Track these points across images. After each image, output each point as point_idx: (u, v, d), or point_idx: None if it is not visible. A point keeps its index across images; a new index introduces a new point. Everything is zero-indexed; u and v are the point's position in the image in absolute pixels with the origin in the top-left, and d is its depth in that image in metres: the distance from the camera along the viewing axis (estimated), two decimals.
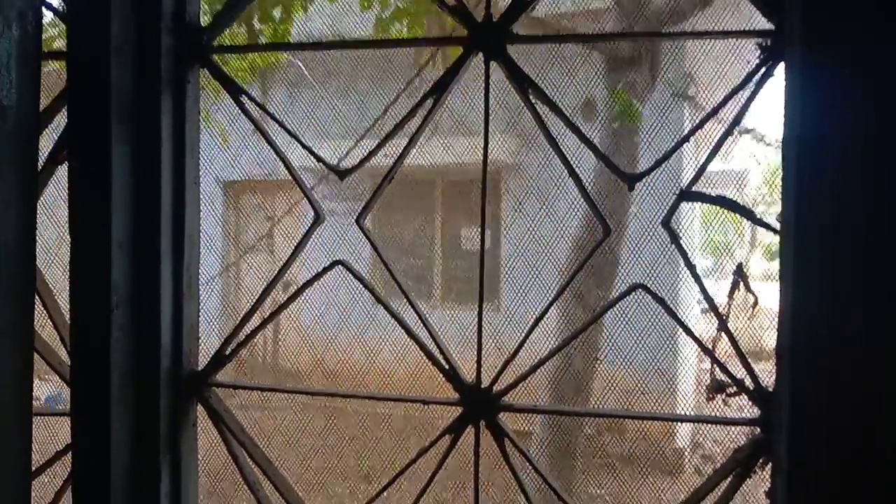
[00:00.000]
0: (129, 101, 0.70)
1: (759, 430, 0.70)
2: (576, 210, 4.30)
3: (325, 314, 5.98)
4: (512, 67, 0.71)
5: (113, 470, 0.70)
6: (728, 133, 0.70)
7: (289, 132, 0.77)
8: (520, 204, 5.91)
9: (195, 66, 0.75)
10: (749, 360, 0.72)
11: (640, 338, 5.01)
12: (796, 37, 0.64)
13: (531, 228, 5.54)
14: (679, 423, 5.91)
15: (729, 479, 0.71)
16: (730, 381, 0.69)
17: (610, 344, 4.07)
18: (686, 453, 5.87)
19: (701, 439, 6.32)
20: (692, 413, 6.07)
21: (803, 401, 0.62)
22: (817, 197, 0.62)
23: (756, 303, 0.73)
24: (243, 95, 0.76)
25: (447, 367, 0.75)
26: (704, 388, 0.73)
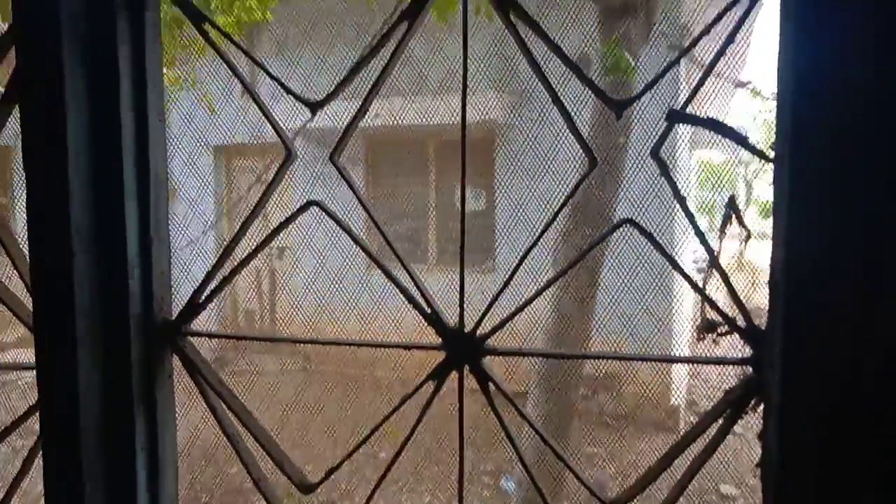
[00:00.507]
0: (83, 27, 0.65)
1: (750, 370, 0.67)
2: (573, 166, 4.24)
3: (318, 281, 5.96)
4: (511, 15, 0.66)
5: (82, 422, 0.67)
6: (720, 53, 0.66)
7: (255, 61, 0.73)
8: (515, 162, 5.84)
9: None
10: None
11: (630, 278, 5.00)
12: None
13: (527, 187, 5.49)
14: (674, 381, 5.96)
15: (720, 421, 0.69)
16: (721, 319, 0.67)
17: (602, 291, 4.04)
18: (681, 411, 5.94)
19: (696, 397, 6.39)
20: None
21: (797, 335, 0.59)
22: (813, 124, 0.59)
23: (749, 236, 0.70)
24: (206, 23, 0.71)
25: (429, 311, 0.72)
26: (694, 327, 0.71)
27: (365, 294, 5.83)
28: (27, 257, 0.72)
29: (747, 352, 0.68)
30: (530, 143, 5.65)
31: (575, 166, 4.18)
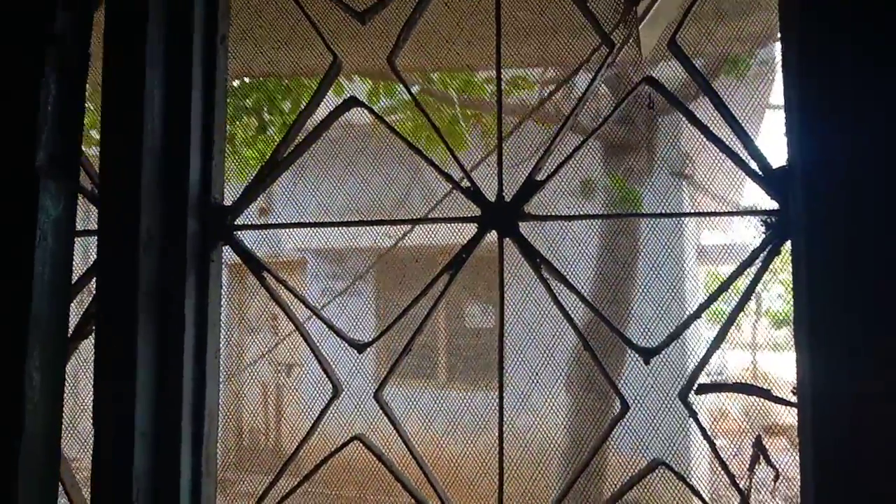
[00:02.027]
0: (154, 289, 0.72)
1: None
2: (586, 286, 4.30)
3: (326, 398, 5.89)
4: (524, 245, 0.74)
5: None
6: (738, 309, 0.72)
7: (315, 312, 0.79)
8: (526, 278, 5.91)
9: (218, 245, 0.78)
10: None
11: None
12: (802, 218, 0.67)
13: (539, 304, 5.53)
14: None
15: None
16: None
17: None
18: None
19: None
20: None
21: None
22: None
23: (777, 476, 0.73)
24: (265, 272, 0.79)
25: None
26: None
27: (373, 409, 5.73)
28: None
29: None
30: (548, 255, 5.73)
31: (587, 287, 4.24)
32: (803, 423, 0.65)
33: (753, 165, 0.76)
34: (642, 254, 4.05)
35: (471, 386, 6.21)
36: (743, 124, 0.80)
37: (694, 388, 0.68)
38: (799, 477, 0.66)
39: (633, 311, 4.01)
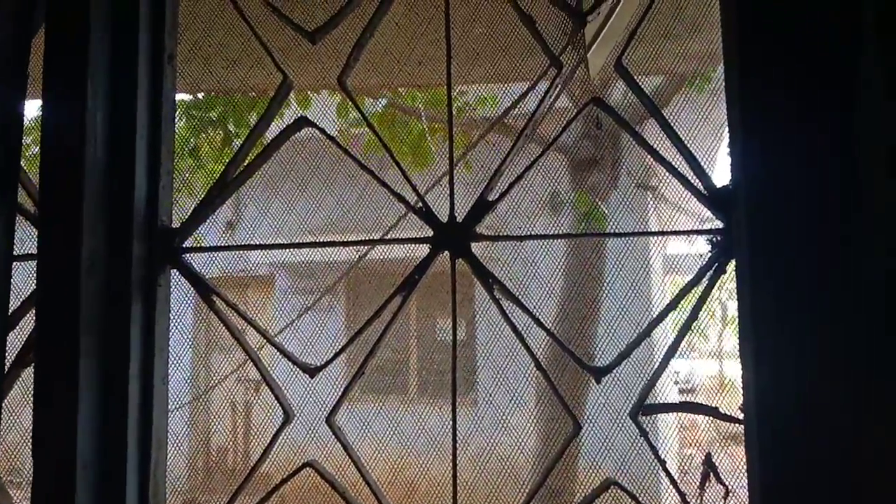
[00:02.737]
0: (98, 315, 0.70)
1: None
2: (551, 298, 4.33)
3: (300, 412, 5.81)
4: (476, 265, 0.74)
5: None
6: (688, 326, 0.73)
7: (260, 332, 0.78)
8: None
9: (166, 269, 0.76)
10: None
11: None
12: (745, 237, 0.68)
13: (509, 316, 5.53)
14: None
15: None
16: None
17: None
18: None
19: None
20: None
21: None
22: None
23: (728, 493, 0.74)
24: (214, 295, 0.77)
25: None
26: None
27: (343, 425, 5.67)
28: None
29: None
30: (507, 274, 5.77)
31: (552, 301, 4.27)
32: (749, 440, 0.65)
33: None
34: (610, 266, 4.09)
35: (443, 401, 6.19)
36: (703, 141, 0.81)
37: (641, 409, 0.68)
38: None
39: (602, 324, 4.05)
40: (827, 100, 0.65)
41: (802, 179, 0.63)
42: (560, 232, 4.71)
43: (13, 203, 0.73)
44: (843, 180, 0.62)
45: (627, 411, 0.71)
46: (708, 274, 0.72)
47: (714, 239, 0.72)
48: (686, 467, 7.63)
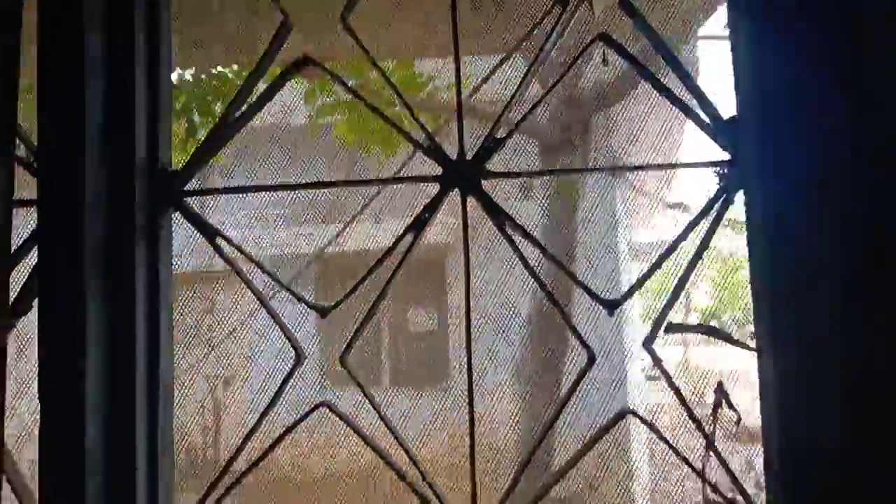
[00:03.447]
0: (102, 255, 0.68)
1: None
2: (526, 291, 4.37)
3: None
4: (488, 202, 0.73)
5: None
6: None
7: (264, 269, 0.76)
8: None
9: (168, 212, 0.74)
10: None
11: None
12: (754, 167, 0.69)
13: (480, 307, 5.57)
14: (638, 500, 5.86)
15: None
16: (722, 501, 0.70)
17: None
18: None
19: None
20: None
21: None
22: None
23: (739, 420, 0.75)
24: (219, 237, 0.76)
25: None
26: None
27: (318, 421, 5.63)
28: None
29: None
30: (481, 264, 5.80)
31: (526, 287, 4.31)
32: (763, 373, 0.66)
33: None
34: (580, 250, 4.14)
35: (416, 391, 6.18)
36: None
37: (663, 326, 0.69)
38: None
39: (574, 304, 4.09)
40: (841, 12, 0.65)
41: (816, 100, 0.64)
42: (534, 219, 4.72)
43: (10, 151, 0.70)
44: (855, 100, 0.63)
45: (641, 342, 0.72)
46: (715, 206, 0.73)
47: (721, 171, 0.73)
48: (655, 450, 7.79)
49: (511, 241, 0.74)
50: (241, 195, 6.70)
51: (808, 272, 0.64)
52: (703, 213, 0.74)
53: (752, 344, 0.69)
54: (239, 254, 0.77)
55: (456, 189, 0.74)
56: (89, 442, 0.64)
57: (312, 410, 0.76)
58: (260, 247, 6.07)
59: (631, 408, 0.73)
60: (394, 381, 6.50)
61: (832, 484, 0.62)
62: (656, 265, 0.72)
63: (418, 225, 0.75)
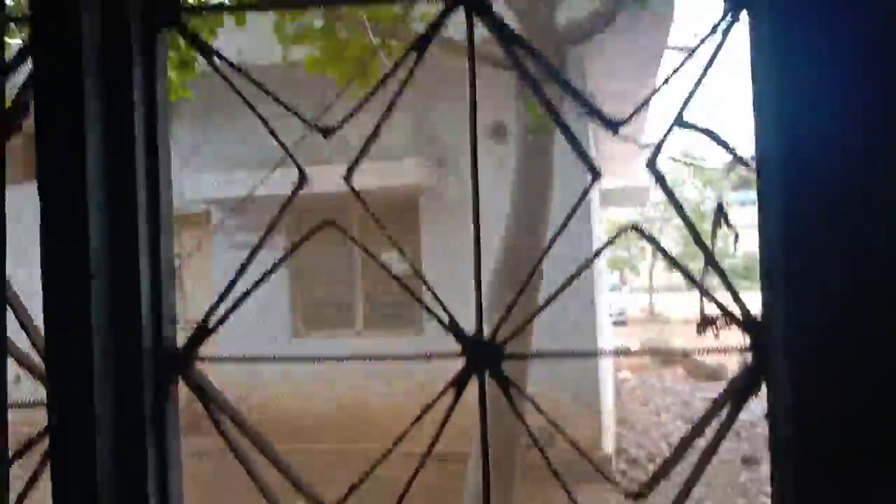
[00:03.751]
0: (98, 56, 0.66)
1: (750, 359, 0.73)
2: (498, 231, 4.40)
3: (246, 349, 5.74)
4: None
5: (99, 448, 0.64)
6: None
7: (261, 88, 0.74)
8: (440, 225, 5.96)
9: (164, 31, 0.72)
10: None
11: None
12: None
13: (454, 249, 5.59)
14: (604, 430, 6.07)
15: (726, 409, 0.73)
16: (720, 311, 0.73)
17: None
18: (612, 459, 6.03)
19: (625, 445, 6.52)
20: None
21: (798, 323, 0.64)
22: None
23: (737, 237, 0.77)
24: (215, 56, 0.74)
25: (448, 320, 0.74)
26: (696, 322, 0.76)
27: (295, 364, 5.66)
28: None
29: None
30: (455, 206, 5.80)
31: (499, 226, 4.33)
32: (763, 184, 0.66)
33: None
34: (555, 196, 4.17)
35: (390, 333, 6.23)
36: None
37: (676, 122, 0.70)
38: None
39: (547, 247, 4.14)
40: None
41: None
42: (509, 161, 4.70)
43: None
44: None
45: (645, 163, 0.73)
46: (721, 25, 0.73)
47: None
48: (620, 388, 8.06)
49: (520, 66, 0.74)
50: (209, 140, 6.54)
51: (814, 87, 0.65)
52: (710, 33, 0.74)
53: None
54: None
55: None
56: (93, 241, 0.63)
57: (319, 228, 0.75)
58: (227, 189, 5.96)
59: (635, 224, 0.74)
60: (367, 326, 6.53)
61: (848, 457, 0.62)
62: (688, 99, 0.72)
63: (422, 46, 0.74)
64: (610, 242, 0.80)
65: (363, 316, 6.51)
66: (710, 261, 0.74)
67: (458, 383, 0.74)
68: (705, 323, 0.75)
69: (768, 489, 0.68)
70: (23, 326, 0.76)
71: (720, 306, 0.74)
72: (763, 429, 0.71)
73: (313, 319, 6.49)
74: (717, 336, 0.76)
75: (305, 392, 5.98)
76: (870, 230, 0.61)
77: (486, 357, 0.73)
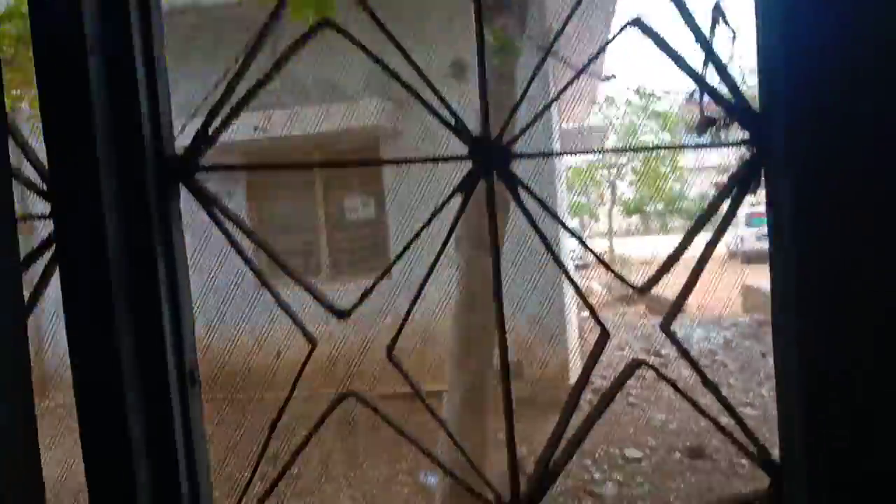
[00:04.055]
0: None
1: (748, 153, 0.75)
2: (460, 170, 4.39)
3: (207, 302, 5.67)
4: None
5: (110, 248, 0.63)
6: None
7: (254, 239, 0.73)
8: (403, 167, 5.90)
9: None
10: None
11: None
12: None
13: (416, 191, 5.57)
14: (571, 362, 6.24)
15: (727, 200, 0.76)
16: (720, 108, 0.74)
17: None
18: None
19: (592, 376, 6.69)
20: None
21: (798, 115, 0.66)
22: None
23: (735, 36, 0.79)
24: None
25: (454, 122, 0.74)
26: (695, 124, 0.78)
27: (257, 310, 5.62)
28: None
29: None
30: (416, 148, 5.75)
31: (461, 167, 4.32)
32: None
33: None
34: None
35: (356, 278, 6.21)
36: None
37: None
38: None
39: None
40: None
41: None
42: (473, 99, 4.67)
43: None
44: None
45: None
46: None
47: None
48: (583, 326, 8.27)
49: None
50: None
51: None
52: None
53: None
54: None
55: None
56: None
57: (316, 29, 0.74)
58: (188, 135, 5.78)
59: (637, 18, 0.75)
60: (333, 271, 6.50)
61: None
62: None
63: None
64: (612, 39, 0.80)
65: (329, 262, 6.46)
66: (710, 54, 0.76)
67: (467, 186, 0.75)
68: (706, 125, 0.77)
69: None
70: (23, 150, 0.73)
71: (719, 99, 0.75)
72: None
73: (276, 270, 6.41)
74: (717, 136, 0.78)
75: (267, 343, 5.95)
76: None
77: (494, 157, 0.74)
